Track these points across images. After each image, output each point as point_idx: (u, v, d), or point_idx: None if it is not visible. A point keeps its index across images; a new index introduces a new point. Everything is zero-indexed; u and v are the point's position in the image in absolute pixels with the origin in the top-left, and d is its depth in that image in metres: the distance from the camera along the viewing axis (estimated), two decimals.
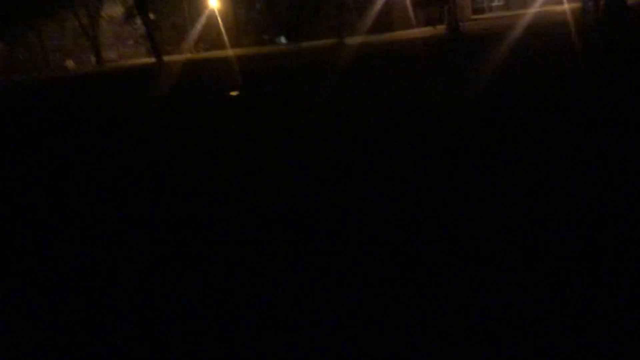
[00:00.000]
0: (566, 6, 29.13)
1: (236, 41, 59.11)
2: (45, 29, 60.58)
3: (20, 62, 74.08)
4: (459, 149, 5.97)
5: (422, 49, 21.66)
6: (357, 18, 43.43)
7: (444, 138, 6.57)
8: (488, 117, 7.48)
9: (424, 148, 6.24)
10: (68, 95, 22.31)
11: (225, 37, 51.29)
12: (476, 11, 50.80)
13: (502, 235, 3.65)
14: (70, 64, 67.33)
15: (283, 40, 48.20)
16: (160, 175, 6.53)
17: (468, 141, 6.27)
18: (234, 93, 14.43)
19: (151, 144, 8.76)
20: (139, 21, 54.59)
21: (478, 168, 5.22)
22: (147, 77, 26.18)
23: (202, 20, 54.09)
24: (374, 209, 4.45)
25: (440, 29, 34.30)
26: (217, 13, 50.38)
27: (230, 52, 41.74)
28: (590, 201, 4.06)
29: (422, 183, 5.00)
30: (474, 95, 9.23)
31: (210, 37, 58.44)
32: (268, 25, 57.78)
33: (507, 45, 16.82)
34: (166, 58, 49.34)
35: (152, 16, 50.71)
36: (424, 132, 7.15)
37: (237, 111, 11.58)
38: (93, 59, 61.34)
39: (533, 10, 36.09)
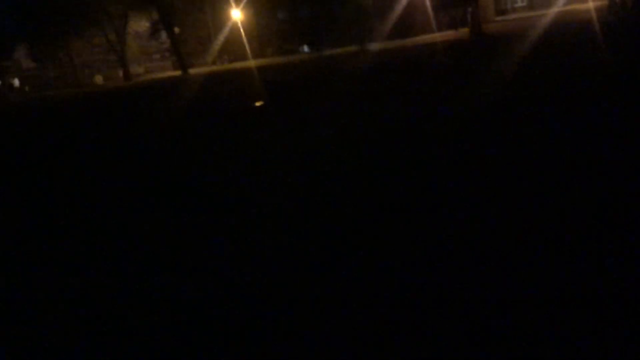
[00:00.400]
0: (591, 4, 28.67)
1: (259, 52, 59.57)
2: (74, 46, 62.09)
3: (50, 78, 76.01)
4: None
5: (445, 53, 21.56)
6: (378, 24, 43.46)
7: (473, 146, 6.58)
8: (519, 124, 7.45)
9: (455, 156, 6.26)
10: (100, 110, 22.83)
11: (249, 48, 51.78)
12: (499, 12, 50.30)
13: None
14: (98, 79, 68.74)
15: (306, 49, 48.44)
16: (186, 184, 6.67)
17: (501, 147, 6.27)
18: (258, 104, 14.58)
19: (178, 161, 8.93)
20: (164, 35, 55.61)
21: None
22: (173, 90, 26.61)
23: (226, 32, 54.71)
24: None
25: (463, 31, 34.07)
26: (240, 25, 50.91)
27: (253, 62, 42.14)
28: None
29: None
30: (502, 99, 9.19)
31: (233, 48, 59.03)
32: (290, 35, 58.15)
33: (531, 47, 16.66)
34: (191, 70, 50.04)
35: (176, 30, 51.59)
36: (453, 139, 7.16)
37: (262, 122, 11.71)
38: (120, 73, 62.59)
39: (557, 9, 35.62)
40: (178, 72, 50.96)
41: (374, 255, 3.79)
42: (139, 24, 57.91)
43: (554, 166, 5.14)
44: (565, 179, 4.75)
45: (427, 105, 9.97)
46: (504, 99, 9.12)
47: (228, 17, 53.44)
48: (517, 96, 9.23)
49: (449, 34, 36.06)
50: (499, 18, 46.39)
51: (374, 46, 36.37)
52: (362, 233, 4.24)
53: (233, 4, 51.12)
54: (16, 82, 78.48)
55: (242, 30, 50.79)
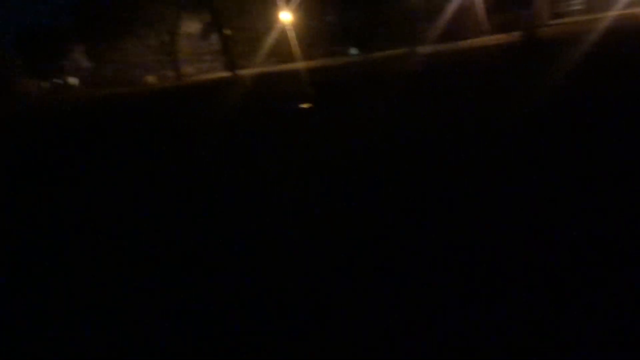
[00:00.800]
0: None
1: (308, 53, 59.86)
2: (129, 46, 63.98)
3: (105, 77, 78.69)
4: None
5: (495, 57, 21.09)
6: (428, 27, 42.95)
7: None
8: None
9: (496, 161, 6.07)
10: (156, 108, 23.42)
11: (297, 50, 52.08)
12: (555, 15, 48.87)
13: None
14: (151, 79, 70.68)
15: (354, 51, 48.38)
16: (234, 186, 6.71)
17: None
18: (306, 105, 14.60)
19: (227, 164, 9.00)
20: (215, 37, 56.61)
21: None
22: (222, 91, 27.03)
23: (275, 34, 55.27)
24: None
25: (516, 35, 33.27)
26: (289, 26, 51.30)
27: (302, 64, 42.34)
28: None
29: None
30: (551, 106, 8.89)
31: (282, 50, 59.47)
32: (339, 37, 58.19)
33: (587, 52, 16.09)
34: (241, 71, 50.74)
35: (227, 32, 52.38)
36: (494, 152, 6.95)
37: (309, 124, 11.70)
38: (172, 74, 64.10)
39: (616, 13, 34.33)
40: (228, 73, 51.76)
41: None
42: (191, 25, 59.13)
43: None
44: None
45: (477, 110, 9.73)
46: (553, 109, 8.79)
47: (277, 19, 53.94)
48: (572, 107, 8.89)
49: (500, 38, 35.28)
50: (554, 22, 45.07)
51: (424, 49, 35.95)
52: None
53: (283, 6, 51.56)
54: (74, 80, 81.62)
55: (291, 32, 51.17)
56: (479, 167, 6.00)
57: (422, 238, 4.21)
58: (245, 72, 50.62)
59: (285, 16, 51.82)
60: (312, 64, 43.62)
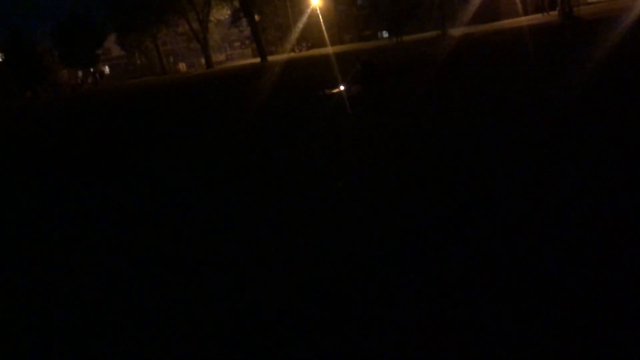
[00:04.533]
0: None
1: (338, 38, 59.42)
2: (160, 35, 64.48)
3: (138, 66, 79.75)
4: None
5: (533, 37, 20.40)
6: (460, 8, 42.05)
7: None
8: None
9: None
10: (184, 97, 23.54)
11: (327, 35, 51.71)
12: None
13: None
14: (182, 67, 71.36)
15: (385, 35, 47.82)
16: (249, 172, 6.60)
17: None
18: (335, 91, 14.38)
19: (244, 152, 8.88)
20: (244, 23, 56.56)
21: None
22: (250, 79, 26.96)
23: (305, 19, 54.96)
24: None
25: (552, 15, 32.31)
26: (319, 12, 50.94)
27: (331, 49, 41.96)
28: None
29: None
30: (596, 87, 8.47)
31: (312, 35, 59.24)
32: (369, 21, 57.52)
33: (629, 29, 15.42)
34: (270, 58, 50.66)
35: (257, 18, 52.29)
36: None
37: (335, 110, 11.48)
38: (202, 61, 64.39)
39: None
40: (257, 60, 51.75)
41: None
42: (221, 12, 59.20)
43: None
44: None
45: (515, 90, 9.35)
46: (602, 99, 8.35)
47: (307, 4, 53.61)
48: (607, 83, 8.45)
49: (535, 18, 34.29)
50: (592, 0, 43.52)
51: (456, 31, 35.22)
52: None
53: None
54: (107, 69, 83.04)
55: (320, 17, 50.80)
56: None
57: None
58: (274, 58, 50.55)
59: (315, 1, 51.49)
60: (342, 48, 43.18)
